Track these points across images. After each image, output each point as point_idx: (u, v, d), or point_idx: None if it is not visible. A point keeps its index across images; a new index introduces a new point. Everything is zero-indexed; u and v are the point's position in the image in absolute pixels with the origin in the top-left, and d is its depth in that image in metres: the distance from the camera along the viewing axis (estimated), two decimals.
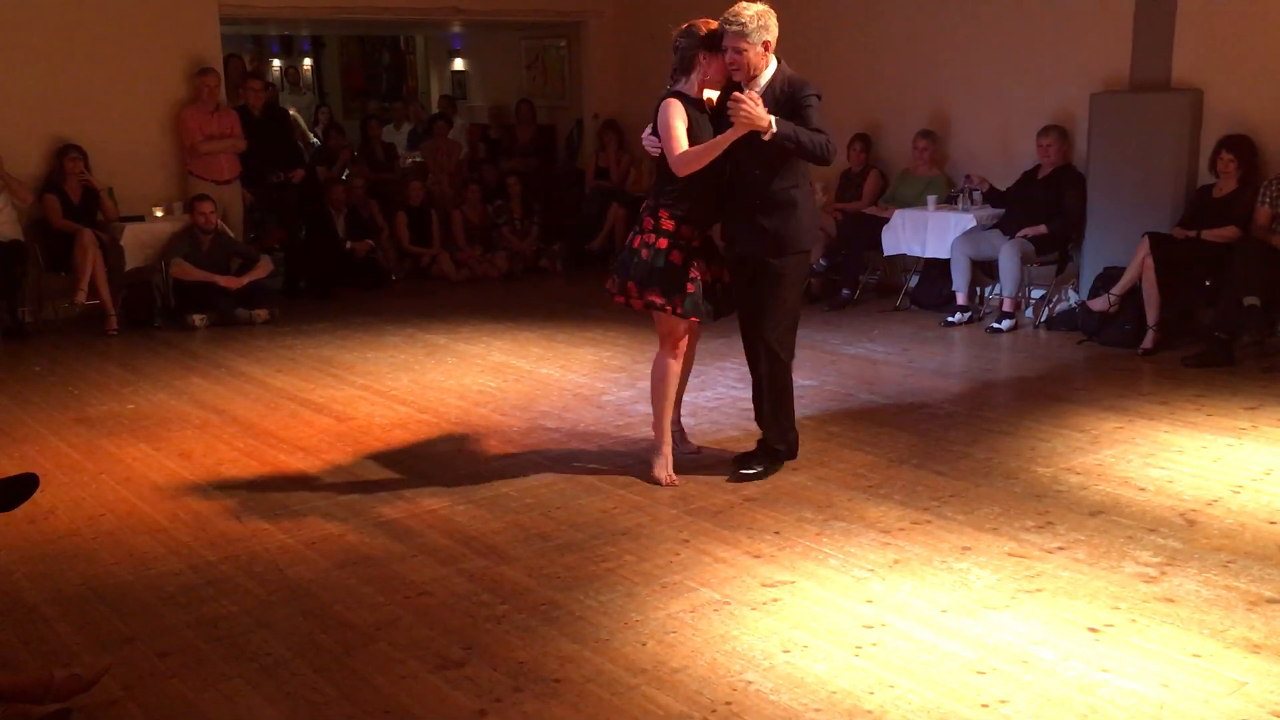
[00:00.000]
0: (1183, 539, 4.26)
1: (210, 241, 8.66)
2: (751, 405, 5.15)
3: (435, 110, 13.69)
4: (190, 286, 8.54)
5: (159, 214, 9.00)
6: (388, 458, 5.44)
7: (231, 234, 9.00)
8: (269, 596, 3.95)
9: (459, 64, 14.84)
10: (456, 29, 13.99)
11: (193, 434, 5.88)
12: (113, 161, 8.97)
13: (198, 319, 8.48)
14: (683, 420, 5.35)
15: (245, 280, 8.64)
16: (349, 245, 9.98)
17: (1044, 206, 7.98)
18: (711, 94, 4.83)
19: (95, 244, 8.42)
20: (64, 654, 3.58)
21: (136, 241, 8.76)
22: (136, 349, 7.96)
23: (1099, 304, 7.43)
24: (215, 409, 6.34)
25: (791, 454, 5.14)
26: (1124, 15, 7.90)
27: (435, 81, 15.61)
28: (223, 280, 8.55)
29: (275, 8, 10.37)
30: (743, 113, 4.47)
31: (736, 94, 4.55)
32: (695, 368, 6.94)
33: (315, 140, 13.50)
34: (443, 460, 5.39)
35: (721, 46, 4.67)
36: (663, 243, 4.74)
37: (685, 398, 6.30)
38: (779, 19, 4.72)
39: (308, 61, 18.45)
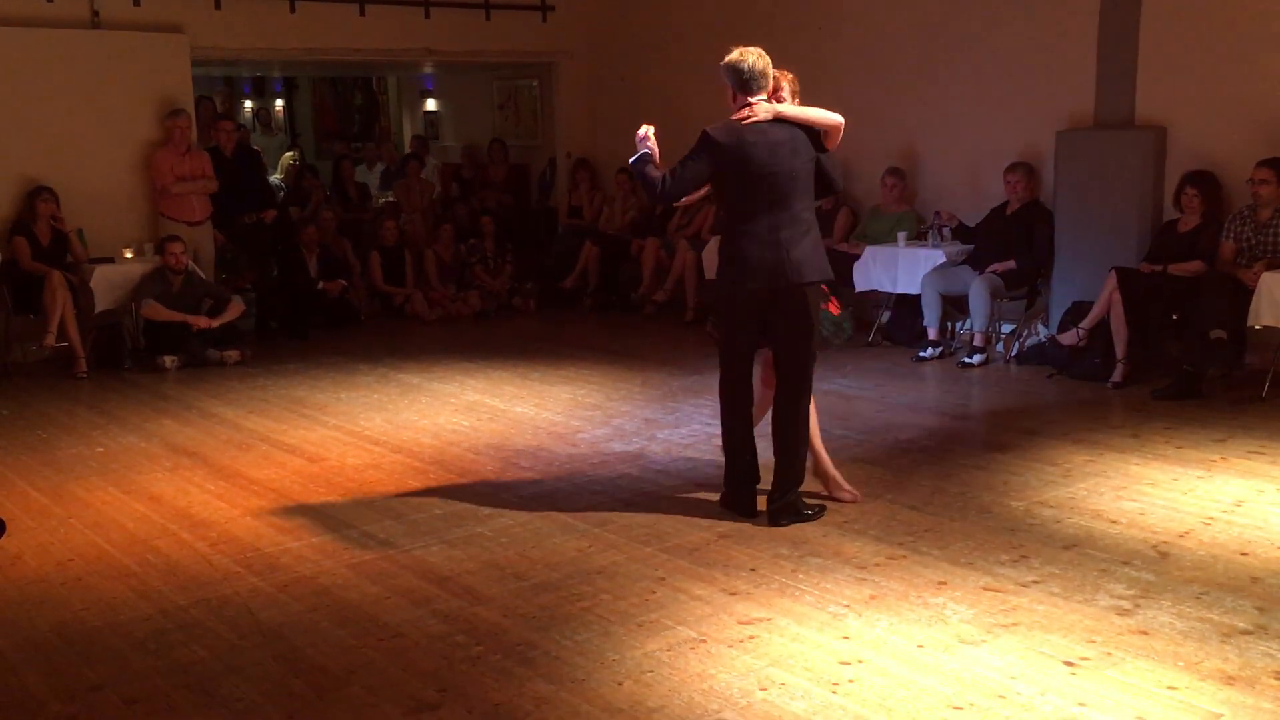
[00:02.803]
0: (1156, 571, 4.28)
1: (181, 282, 8.62)
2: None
3: (408, 150, 13.74)
4: (160, 328, 8.48)
5: (129, 255, 8.96)
6: (361, 499, 5.40)
7: (202, 275, 8.97)
8: (240, 641, 3.90)
9: (431, 104, 14.91)
10: (429, 70, 14.06)
11: (163, 477, 5.82)
12: (83, 203, 8.92)
13: (168, 360, 8.41)
14: (659, 457, 5.30)
15: (218, 321, 8.60)
16: (321, 285, 9.96)
17: (1012, 242, 8.07)
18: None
19: (65, 286, 8.36)
20: (31, 702, 3.52)
21: (106, 283, 8.71)
22: (106, 391, 7.88)
23: (1068, 338, 7.50)
24: (186, 451, 6.28)
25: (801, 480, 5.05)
26: (1088, 54, 8.04)
27: (408, 122, 15.67)
28: (193, 319, 8.50)
29: (247, 50, 10.38)
30: None
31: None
32: (669, 404, 6.99)
33: (277, 180, 13.47)
34: (416, 500, 5.36)
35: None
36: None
37: (661, 434, 6.32)
38: (744, 62, 4.78)
39: (279, 102, 18.48)
